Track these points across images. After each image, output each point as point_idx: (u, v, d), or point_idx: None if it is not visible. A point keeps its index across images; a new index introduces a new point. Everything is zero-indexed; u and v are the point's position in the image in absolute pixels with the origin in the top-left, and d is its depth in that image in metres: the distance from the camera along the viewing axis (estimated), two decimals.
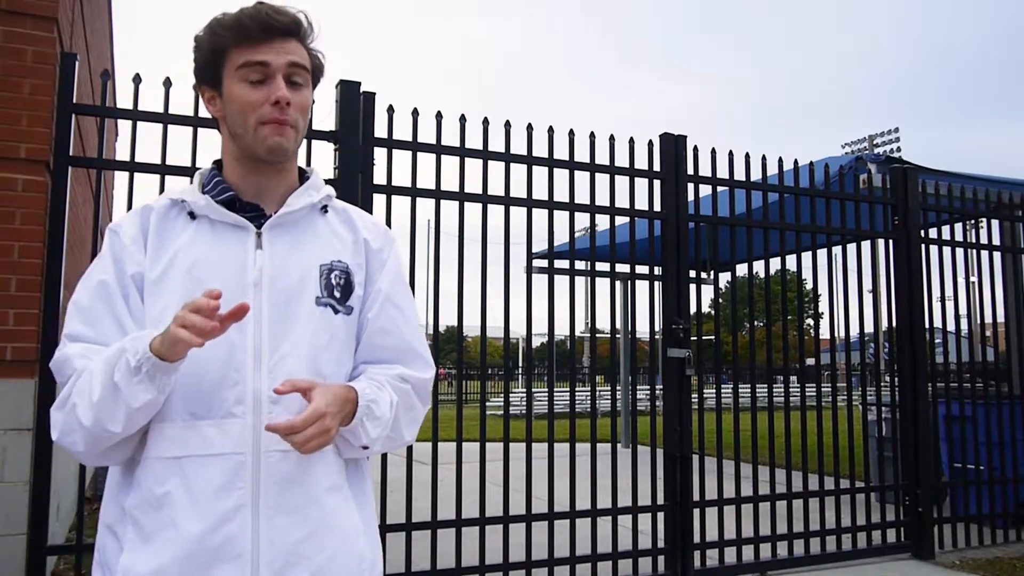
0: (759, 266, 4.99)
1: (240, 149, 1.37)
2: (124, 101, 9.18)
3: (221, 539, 1.22)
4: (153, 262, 1.32)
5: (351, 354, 1.41)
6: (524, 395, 8.16)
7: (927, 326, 5.35)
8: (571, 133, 4.32)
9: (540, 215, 4.36)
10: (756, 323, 5.32)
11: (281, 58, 1.32)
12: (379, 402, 1.34)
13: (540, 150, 4.25)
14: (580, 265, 4.70)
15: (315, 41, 1.40)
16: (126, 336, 1.26)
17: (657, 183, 4.58)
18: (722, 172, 4.77)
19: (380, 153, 3.89)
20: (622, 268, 4.76)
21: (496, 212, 4.13)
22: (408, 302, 1.49)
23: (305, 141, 3.70)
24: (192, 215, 1.35)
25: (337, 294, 1.37)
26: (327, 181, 1.47)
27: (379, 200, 3.86)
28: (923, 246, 5.40)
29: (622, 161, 4.48)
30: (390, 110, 3.89)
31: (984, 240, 5.77)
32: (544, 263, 4.38)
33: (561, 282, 4.87)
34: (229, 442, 1.25)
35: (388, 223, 3.87)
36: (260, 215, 1.37)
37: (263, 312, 1.30)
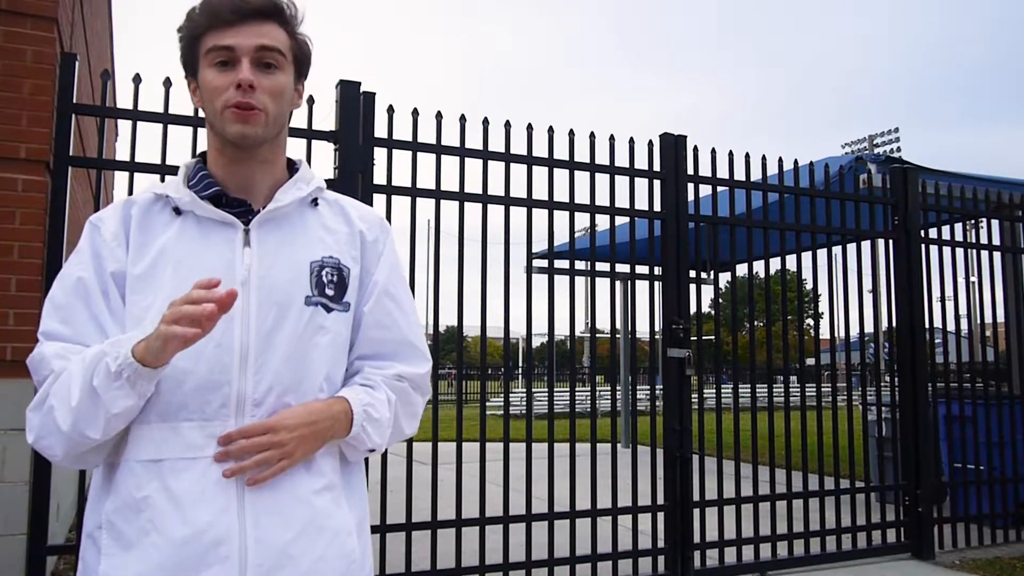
0: (759, 266, 4.99)
1: (217, 137, 1.32)
2: (124, 101, 9.18)
3: (207, 543, 1.18)
4: (136, 258, 1.27)
5: (346, 351, 1.37)
6: (524, 395, 8.16)
7: (927, 326, 5.35)
8: (571, 133, 4.32)
9: (540, 215, 4.37)
10: (756, 323, 5.32)
11: (249, 41, 1.26)
12: (376, 404, 1.33)
13: (540, 150, 4.26)
14: (580, 265, 4.69)
15: (300, 26, 1.34)
16: (104, 335, 1.22)
17: (657, 183, 4.58)
18: (722, 172, 4.77)
19: (380, 153, 3.89)
20: (622, 268, 4.76)
21: (496, 212, 4.14)
22: (405, 294, 1.45)
23: (305, 141, 3.70)
24: (177, 210, 1.30)
25: (330, 292, 1.32)
26: (327, 181, 1.46)
27: (379, 200, 3.85)
28: (923, 246, 5.40)
29: (622, 161, 4.49)
30: (390, 110, 3.89)
31: (984, 240, 5.77)
32: (544, 263, 4.38)
33: (561, 282, 4.87)
34: (212, 445, 1.21)
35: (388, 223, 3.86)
36: (247, 210, 1.32)
37: (251, 312, 1.26)
